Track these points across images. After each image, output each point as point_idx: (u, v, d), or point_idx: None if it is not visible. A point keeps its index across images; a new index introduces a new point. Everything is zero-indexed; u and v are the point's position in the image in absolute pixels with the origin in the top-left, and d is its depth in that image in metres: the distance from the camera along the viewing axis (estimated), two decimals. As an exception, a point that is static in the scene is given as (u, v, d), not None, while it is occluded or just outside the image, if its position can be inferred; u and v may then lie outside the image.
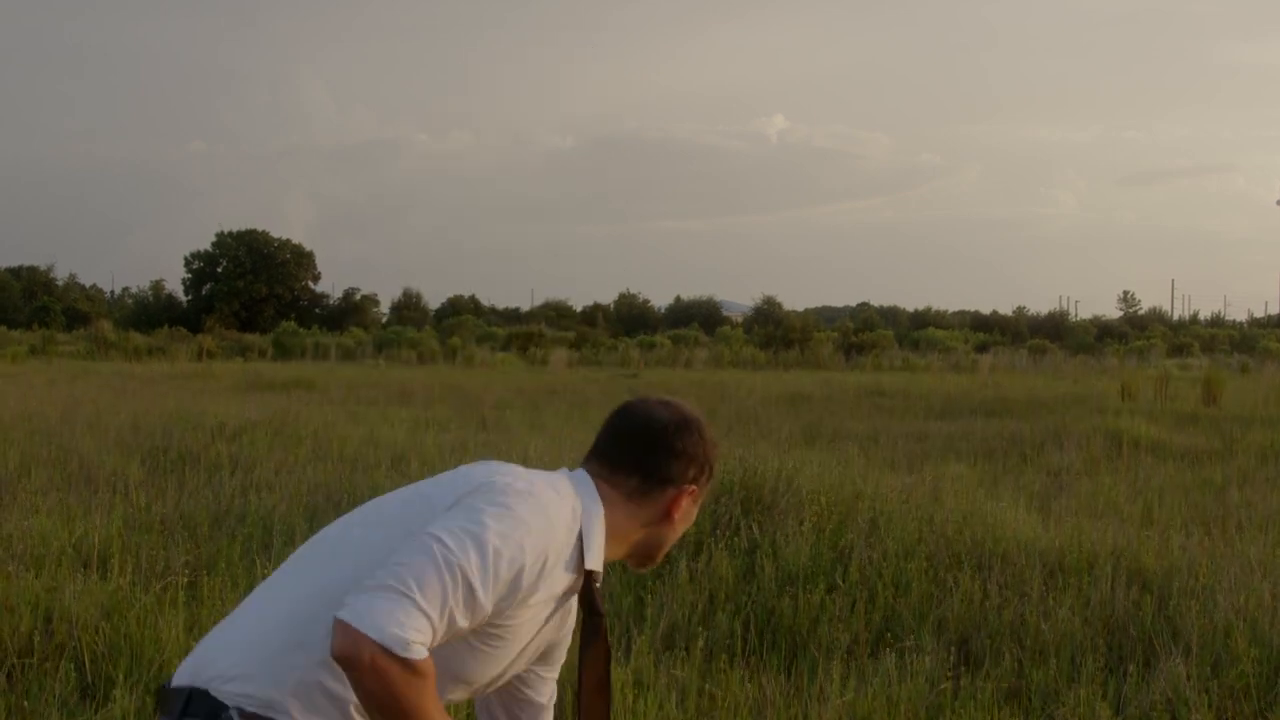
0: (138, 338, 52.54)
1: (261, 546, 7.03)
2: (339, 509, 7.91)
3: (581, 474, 2.70)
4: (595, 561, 2.59)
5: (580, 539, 2.56)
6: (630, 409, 2.77)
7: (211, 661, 2.43)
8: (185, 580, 5.67)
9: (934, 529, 6.77)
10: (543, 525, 2.44)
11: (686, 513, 2.77)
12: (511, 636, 2.51)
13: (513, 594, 2.40)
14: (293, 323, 63.50)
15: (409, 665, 2.21)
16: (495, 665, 2.56)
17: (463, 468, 2.65)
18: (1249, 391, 27.30)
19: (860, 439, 14.83)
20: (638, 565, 2.82)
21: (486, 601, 2.35)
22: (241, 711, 2.35)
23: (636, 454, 2.69)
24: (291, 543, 6.91)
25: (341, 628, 2.21)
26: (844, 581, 6.04)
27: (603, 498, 2.66)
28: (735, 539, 6.59)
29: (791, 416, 18.16)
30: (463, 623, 2.33)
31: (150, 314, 77.17)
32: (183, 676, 2.45)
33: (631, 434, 2.72)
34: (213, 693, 2.37)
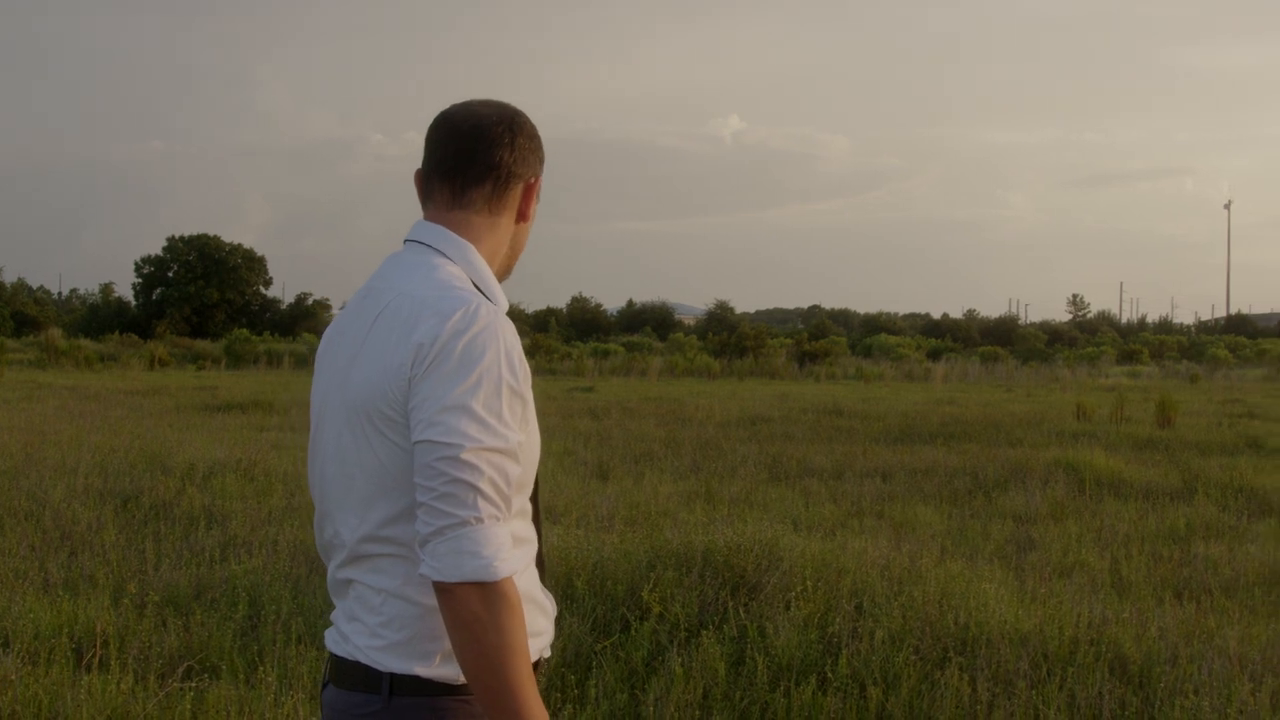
0: (89, 346, 52.21)
1: (250, 626, 7.06)
2: (322, 574, 7.96)
3: (431, 232, 2.64)
4: (503, 302, 2.62)
5: (480, 291, 2.56)
6: (453, 121, 2.66)
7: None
8: (190, 692, 5.70)
9: (918, 612, 6.88)
10: (481, 329, 2.41)
11: (534, 209, 2.75)
12: (531, 415, 2.53)
13: (519, 399, 2.44)
14: (245, 330, 63.26)
15: (500, 593, 2.30)
16: (538, 444, 2.58)
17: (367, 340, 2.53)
18: (1201, 407, 27.71)
19: (825, 475, 14.97)
20: (501, 280, 2.75)
21: (518, 434, 2.42)
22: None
23: (484, 157, 2.63)
24: (281, 619, 6.96)
25: (435, 587, 2.34)
26: (834, 674, 6.14)
27: (463, 229, 2.64)
28: (725, 626, 6.68)
29: (753, 444, 18.28)
30: (518, 468, 2.41)
31: (100, 319, 76.72)
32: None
33: (473, 140, 2.64)
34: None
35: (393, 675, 2.47)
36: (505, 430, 2.38)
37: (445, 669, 2.46)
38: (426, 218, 2.68)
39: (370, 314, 2.55)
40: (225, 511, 10.62)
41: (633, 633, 6.70)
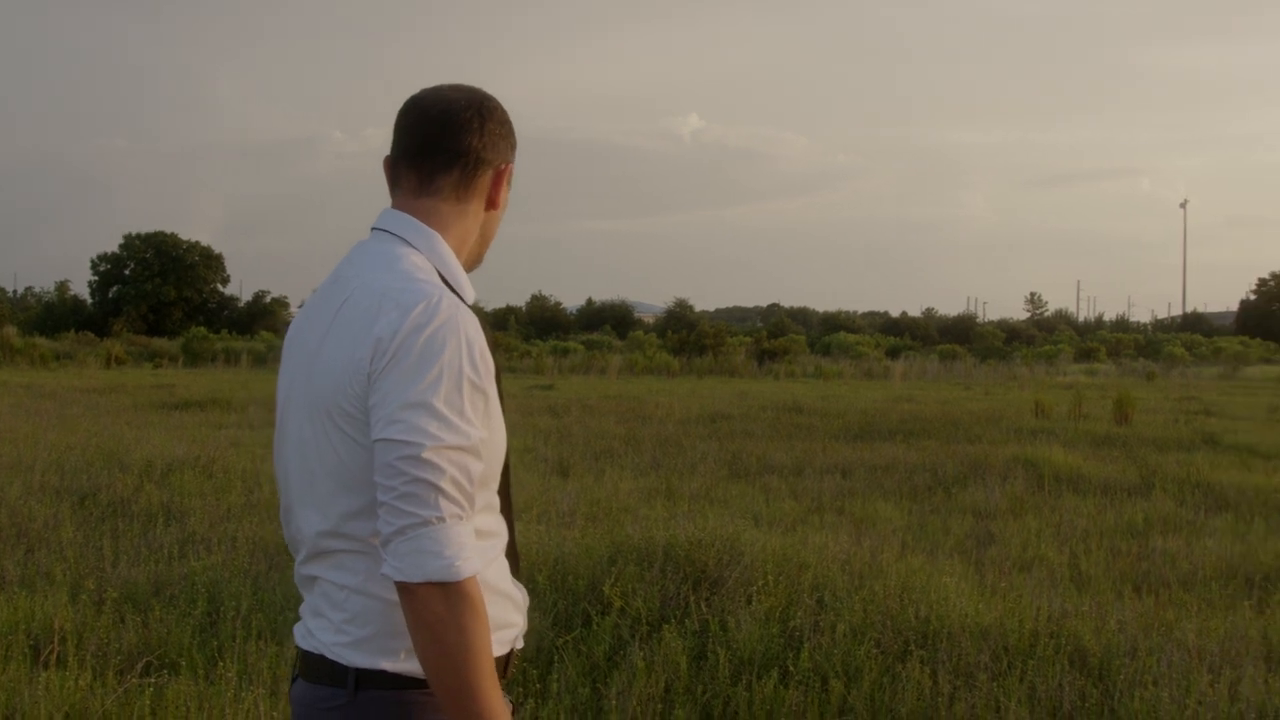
0: (44, 344, 51.78)
1: (209, 622, 7.02)
2: (282, 570, 7.94)
3: (398, 220, 2.57)
4: (469, 293, 2.56)
5: (446, 282, 2.49)
6: (422, 106, 2.58)
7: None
8: (150, 688, 5.67)
9: (879, 606, 6.91)
10: (442, 323, 2.34)
11: (505, 196, 2.68)
12: (495, 409, 2.44)
13: (481, 394, 2.37)
14: (202, 328, 62.93)
15: (461, 593, 2.25)
16: (503, 438, 2.50)
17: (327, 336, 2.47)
18: (1158, 404, 27.93)
19: (785, 472, 15.00)
20: (471, 269, 2.68)
21: (480, 430, 2.35)
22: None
23: (451, 143, 2.56)
24: (240, 615, 6.92)
25: (398, 587, 2.29)
26: (795, 668, 6.16)
27: (430, 217, 2.57)
28: (686, 620, 6.69)
29: (713, 441, 18.31)
30: (480, 465, 2.34)
31: (56, 317, 76.14)
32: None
33: (441, 125, 2.56)
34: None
35: (358, 670, 2.44)
36: (467, 427, 2.32)
37: (411, 663, 2.42)
38: (394, 205, 2.61)
39: (334, 304, 2.49)
40: (184, 508, 10.56)
41: (594, 627, 6.69)
